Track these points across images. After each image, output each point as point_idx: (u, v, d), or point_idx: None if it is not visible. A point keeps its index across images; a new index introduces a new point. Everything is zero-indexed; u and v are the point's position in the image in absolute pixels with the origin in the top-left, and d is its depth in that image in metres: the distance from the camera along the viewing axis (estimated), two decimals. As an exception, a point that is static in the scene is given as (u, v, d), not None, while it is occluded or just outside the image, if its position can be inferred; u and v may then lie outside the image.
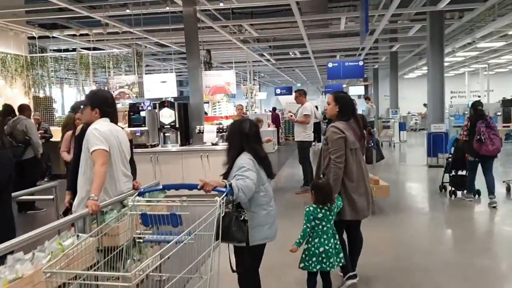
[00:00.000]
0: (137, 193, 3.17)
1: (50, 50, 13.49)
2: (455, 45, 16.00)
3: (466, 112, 20.63)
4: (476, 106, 7.27)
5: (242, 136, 3.32)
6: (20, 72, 11.99)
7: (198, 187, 2.88)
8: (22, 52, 12.09)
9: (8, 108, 8.41)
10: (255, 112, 18.42)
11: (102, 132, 3.42)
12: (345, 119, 3.89)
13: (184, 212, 2.73)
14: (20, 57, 12.01)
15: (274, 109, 21.36)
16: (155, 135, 8.76)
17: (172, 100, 8.83)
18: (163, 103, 8.50)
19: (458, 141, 7.71)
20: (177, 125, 8.48)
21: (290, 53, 18.25)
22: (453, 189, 7.81)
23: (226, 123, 8.67)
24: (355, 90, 29.62)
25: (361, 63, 15.87)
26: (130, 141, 3.95)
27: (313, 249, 3.65)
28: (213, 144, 8.51)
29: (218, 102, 14.76)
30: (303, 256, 3.70)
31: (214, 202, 2.67)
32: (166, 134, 8.60)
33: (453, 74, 28.66)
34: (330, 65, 15.67)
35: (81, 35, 12.31)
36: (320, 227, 3.68)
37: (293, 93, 8.64)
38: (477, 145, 6.95)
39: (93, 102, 3.59)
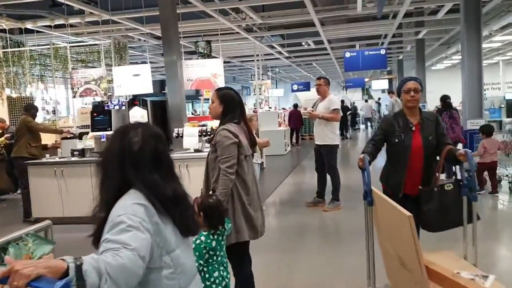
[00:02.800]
0: None
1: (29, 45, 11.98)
2: (492, 27, 13.91)
3: (503, 106, 18.55)
4: (445, 99, 8.56)
5: (124, 159, 1.76)
6: (-10, 70, 10.55)
7: None
8: (-8, 47, 10.64)
9: None
10: (269, 110, 16.66)
11: None
12: (236, 122, 3.26)
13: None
14: (-10, 53, 10.56)
15: (295, 105, 19.27)
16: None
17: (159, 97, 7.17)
18: (132, 101, 6.86)
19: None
20: (150, 128, 6.81)
21: (303, 44, 16.40)
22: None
23: (213, 124, 6.97)
24: (379, 84, 27.68)
25: (383, 51, 14.01)
26: None
27: (214, 286, 2.92)
28: (196, 151, 6.82)
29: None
30: None
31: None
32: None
33: (486, 64, 26.33)
34: (347, 54, 13.88)
35: (58, 26, 10.77)
36: (215, 257, 2.96)
37: (316, 81, 6.86)
38: None
39: None
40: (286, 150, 14.84)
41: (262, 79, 17.76)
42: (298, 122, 17.81)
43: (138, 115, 6.79)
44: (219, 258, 2.97)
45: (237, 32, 13.02)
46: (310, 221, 6.56)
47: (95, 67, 9.34)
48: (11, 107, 11.09)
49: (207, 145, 7.13)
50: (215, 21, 11.00)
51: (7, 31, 10.79)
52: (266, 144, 7.13)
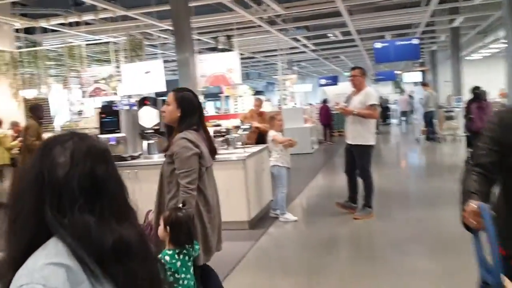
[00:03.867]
0: None
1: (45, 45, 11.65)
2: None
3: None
4: (473, 90, 8.87)
5: (42, 191, 1.13)
6: (5, 71, 10.21)
7: None
8: (7, 47, 10.29)
9: None
10: (294, 106, 15.96)
11: None
12: (195, 128, 2.93)
13: None
14: (5, 53, 10.22)
15: (325, 101, 18.37)
16: (137, 143, 6.60)
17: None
18: (143, 101, 6.31)
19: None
20: (161, 129, 6.26)
21: (330, 35, 15.61)
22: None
23: (229, 123, 6.37)
24: (411, 77, 26.52)
25: (415, 41, 13.10)
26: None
27: None
28: (210, 153, 6.22)
29: (241, 96, 12.52)
30: None
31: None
32: (150, 142, 6.41)
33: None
34: (377, 45, 13.04)
35: (72, 24, 10.36)
36: (181, 281, 2.61)
37: (350, 72, 6.15)
38: (468, 122, 8.86)
39: None
40: (313, 148, 14.12)
41: (286, 74, 17.05)
42: (327, 118, 17.00)
43: (149, 115, 6.24)
44: (185, 282, 2.65)
45: (259, 25, 12.37)
46: (339, 231, 5.88)
47: (104, 65, 8.89)
48: (27, 109, 10.76)
49: (223, 146, 6.56)
50: (234, 14, 10.39)
51: (22, 31, 10.46)
52: (290, 144, 6.51)
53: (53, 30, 10.96)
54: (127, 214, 1.23)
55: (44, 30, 11.04)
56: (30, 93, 10.97)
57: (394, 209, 6.73)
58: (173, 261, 2.60)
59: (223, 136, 6.19)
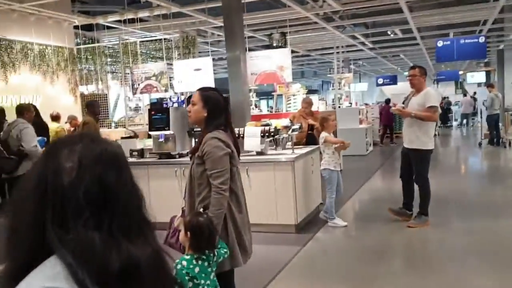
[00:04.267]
0: None
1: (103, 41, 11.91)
2: None
3: None
4: None
5: (43, 201, 0.96)
6: (63, 67, 10.52)
7: None
8: (66, 43, 10.59)
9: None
10: (349, 106, 15.51)
11: None
12: (222, 129, 2.85)
13: None
14: (64, 49, 10.52)
15: (387, 101, 17.52)
16: (185, 141, 6.53)
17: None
18: (190, 98, 6.21)
19: None
20: (209, 127, 6.14)
21: (389, 33, 15.03)
22: None
23: (278, 123, 6.16)
24: (475, 78, 25.22)
25: (482, 39, 12.34)
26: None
27: None
28: (258, 153, 6.06)
29: (294, 95, 12.28)
30: None
31: None
32: (197, 140, 6.30)
33: None
34: (440, 43, 12.38)
35: (128, 21, 10.50)
36: (200, 287, 2.46)
37: (409, 71, 5.80)
38: None
39: None
40: (367, 150, 13.64)
41: (342, 73, 16.59)
42: (388, 118, 16.31)
43: (197, 113, 6.14)
44: None
45: (315, 22, 12.06)
46: (391, 240, 5.54)
47: (156, 62, 8.92)
48: (84, 105, 11.05)
49: (272, 146, 6.37)
50: (289, 11, 10.15)
51: (81, 28, 10.75)
52: (343, 146, 6.22)
53: (109, 27, 11.18)
54: (141, 230, 1.03)
55: (102, 28, 11.29)
56: (88, 89, 11.27)
57: (452, 218, 6.29)
58: (191, 266, 2.51)
59: (272, 136, 5.98)
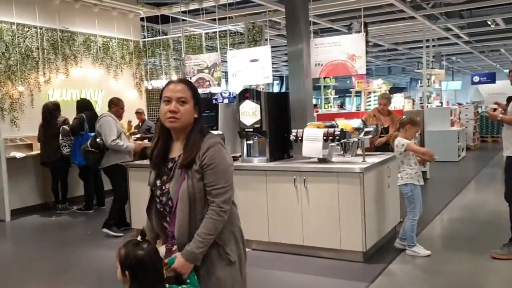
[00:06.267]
0: None
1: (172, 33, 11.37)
2: None
3: None
4: None
5: None
6: (128, 60, 10.09)
7: None
8: (131, 36, 10.16)
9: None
10: (440, 106, 13.81)
11: None
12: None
13: None
14: (129, 42, 10.09)
15: (509, 99, 15.36)
16: (236, 143, 5.64)
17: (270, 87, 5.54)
18: (244, 93, 5.30)
19: None
20: (263, 128, 5.19)
21: (489, 23, 13.13)
22: None
23: (347, 124, 5.05)
24: None
25: None
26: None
27: None
28: (320, 160, 5.00)
29: (374, 92, 10.97)
30: None
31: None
32: (249, 142, 5.39)
33: None
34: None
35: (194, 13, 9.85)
36: None
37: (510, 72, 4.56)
38: None
39: None
40: (459, 156, 11.95)
41: (432, 68, 14.85)
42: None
43: (250, 110, 5.21)
44: None
45: (401, 10, 10.67)
46: (491, 276, 4.26)
47: (209, 52, 8.11)
48: (149, 100, 10.60)
49: (338, 153, 5.28)
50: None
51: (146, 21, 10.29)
52: (430, 158, 5.02)
53: (175, 20, 10.62)
54: None
55: (168, 21, 10.77)
56: (152, 84, 10.80)
57: None
58: None
59: (337, 140, 4.90)
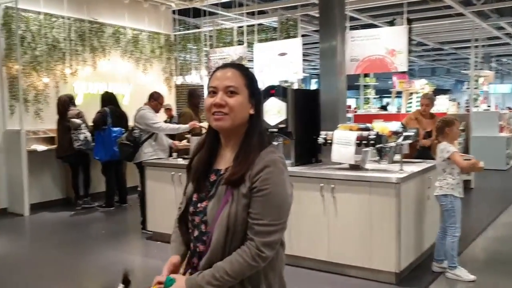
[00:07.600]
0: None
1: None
2: None
3: None
4: None
5: None
6: (158, 54, 9.79)
7: None
8: (162, 29, 9.85)
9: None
10: (487, 109, 12.91)
11: None
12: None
13: None
14: (159, 35, 9.79)
15: None
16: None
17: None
18: (269, 90, 4.83)
19: None
20: (289, 129, 4.70)
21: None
22: None
23: (384, 127, 4.51)
24: None
25: None
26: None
27: None
28: (352, 167, 4.47)
29: (417, 92, 10.27)
30: None
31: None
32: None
33: None
34: None
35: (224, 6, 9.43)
36: None
37: None
38: None
39: None
40: (508, 164, 11.07)
41: (481, 69, 13.91)
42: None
43: (274, 109, 4.73)
44: None
45: (448, 6, 9.91)
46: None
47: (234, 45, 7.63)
48: (178, 95, 10.28)
49: (373, 159, 4.74)
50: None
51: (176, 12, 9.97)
52: (477, 168, 4.41)
53: (209, 14, 10.26)
54: None
55: (200, 14, 10.42)
56: (184, 79, 10.48)
57: None
58: None
59: (372, 144, 4.36)
